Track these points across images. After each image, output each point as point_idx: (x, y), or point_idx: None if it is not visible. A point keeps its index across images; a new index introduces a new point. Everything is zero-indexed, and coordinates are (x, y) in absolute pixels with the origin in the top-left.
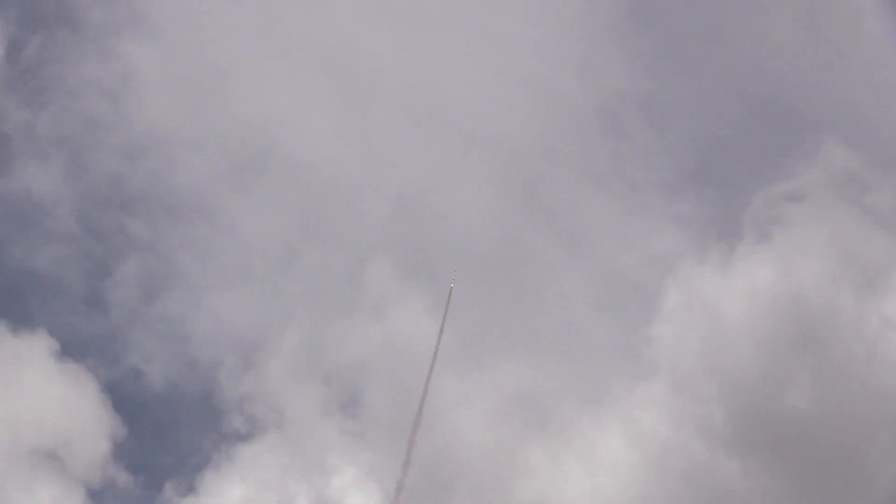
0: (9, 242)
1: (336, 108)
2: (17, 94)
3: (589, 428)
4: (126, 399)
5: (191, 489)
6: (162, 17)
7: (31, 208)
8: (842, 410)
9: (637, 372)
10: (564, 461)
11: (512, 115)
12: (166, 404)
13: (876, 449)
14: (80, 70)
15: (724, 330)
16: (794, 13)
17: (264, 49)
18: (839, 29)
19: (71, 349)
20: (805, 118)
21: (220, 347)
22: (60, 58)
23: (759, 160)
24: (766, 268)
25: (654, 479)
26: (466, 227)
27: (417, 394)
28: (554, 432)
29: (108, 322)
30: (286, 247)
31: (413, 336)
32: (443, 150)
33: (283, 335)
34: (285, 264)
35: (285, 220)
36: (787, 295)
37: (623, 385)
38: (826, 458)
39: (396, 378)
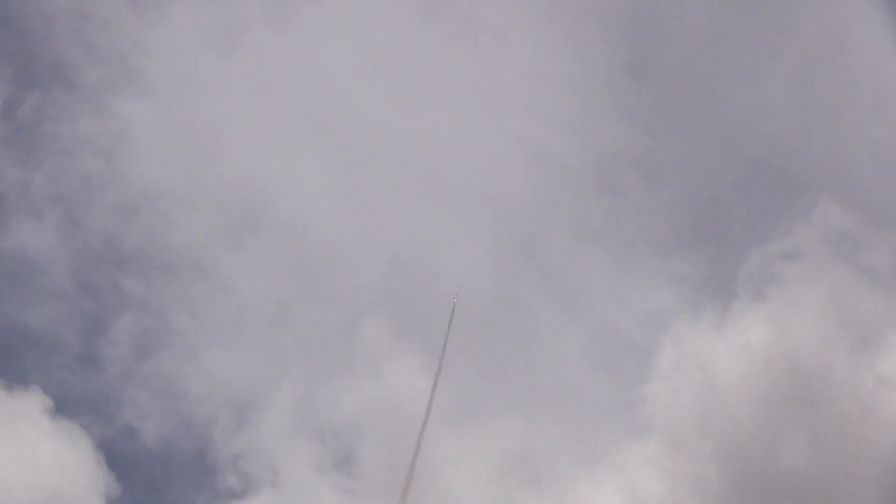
0: (3, 299)
1: (331, 166)
2: (12, 153)
3: (584, 486)
4: (120, 456)
5: None
6: (157, 76)
7: (25, 266)
8: (837, 469)
9: (632, 430)
10: None
11: (507, 173)
12: (160, 462)
13: None
14: (75, 128)
15: (719, 388)
16: (788, 74)
17: (259, 108)
18: (833, 89)
19: (65, 406)
20: (800, 177)
21: (214, 405)
22: (56, 116)
23: (754, 219)
24: (762, 326)
25: None
26: (461, 284)
27: (412, 452)
28: (549, 490)
29: (103, 379)
30: (281, 304)
31: (408, 394)
32: (437, 208)
33: (277, 393)
34: (280, 322)
35: (280, 277)
36: (782, 353)
37: (618, 443)
38: None
39: (391, 436)
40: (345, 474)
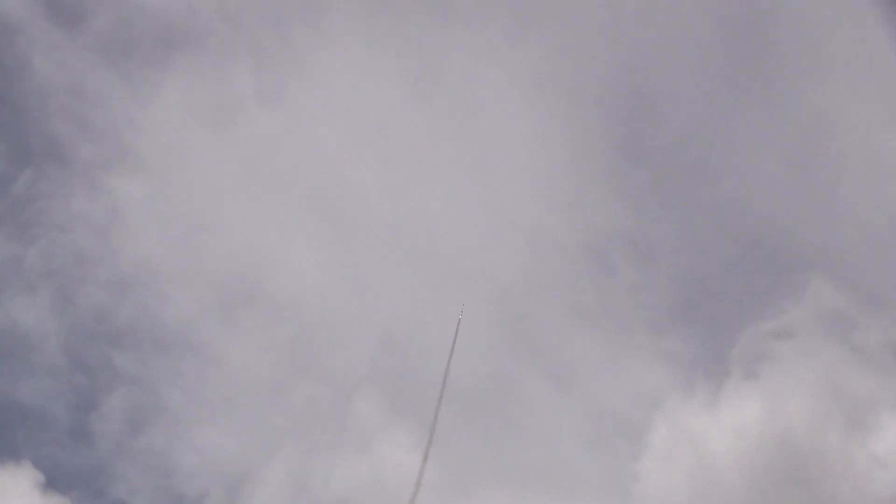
0: None
1: (324, 243)
2: (5, 229)
3: None
4: None
5: None
6: (150, 154)
7: (17, 341)
8: None
9: None
10: None
11: (500, 251)
12: None
13: None
14: (68, 205)
15: (712, 466)
16: (780, 156)
17: (252, 185)
18: (825, 171)
19: (56, 481)
20: (792, 257)
21: (205, 480)
22: (49, 193)
23: (747, 298)
24: (754, 404)
25: None
26: (455, 361)
27: None
28: None
29: (94, 454)
30: (273, 380)
31: (399, 469)
32: (430, 285)
33: (269, 468)
34: (272, 398)
35: (272, 353)
36: (774, 432)
37: None
38: None
39: None
40: None
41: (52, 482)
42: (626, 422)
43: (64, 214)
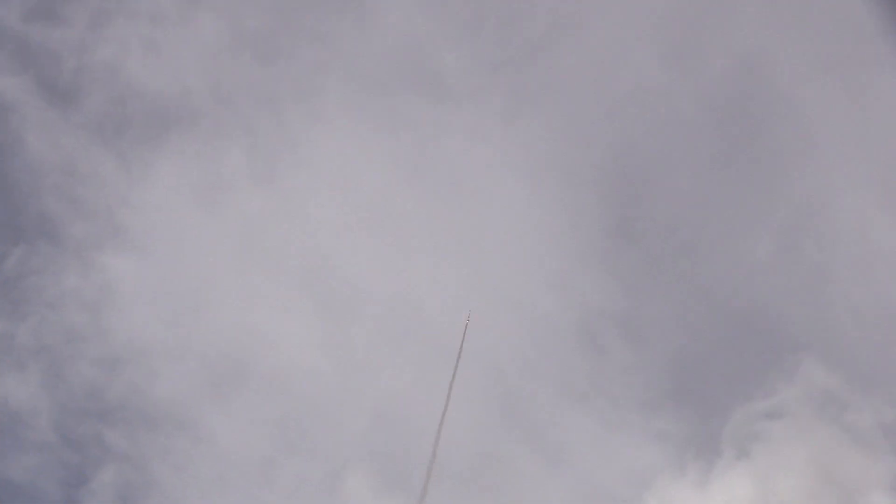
0: None
1: (315, 321)
2: None
3: None
4: None
5: None
6: (143, 232)
7: (7, 417)
8: None
9: None
10: None
11: (491, 330)
12: None
13: None
14: (60, 282)
15: None
16: (772, 236)
17: (244, 263)
18: (817, 250)
19: None
20: (784, 337)
21: None
22: (40, 270)
23: (738, 377)
24: (745, 484)
25: None
26: (445, 440)
27: None
28: None
29: None
30: (264, 458)
31: None
32: (421, 363)
33: None
34: (263, 476)
35: (264, 431)
36: None
37: None
38: None
39: None
40: None
41: None
42: (618, 500)
43: (55, 292)
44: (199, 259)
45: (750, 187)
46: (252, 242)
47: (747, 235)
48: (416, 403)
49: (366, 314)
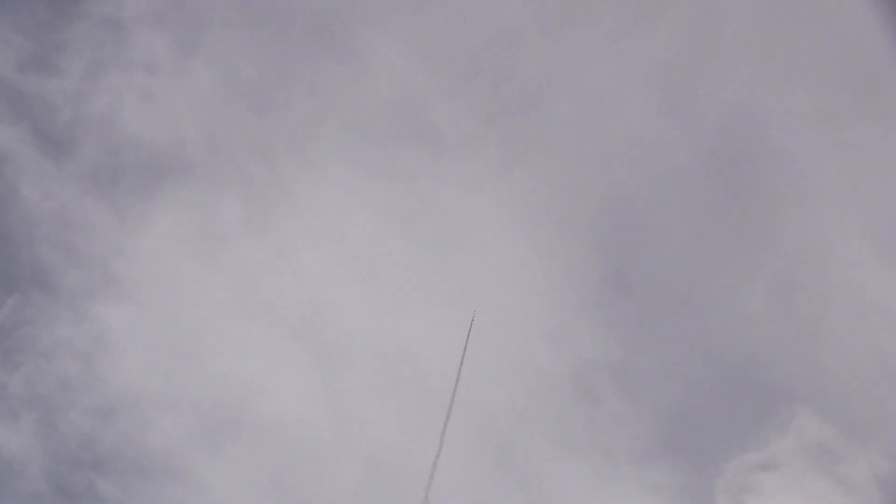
0: None
1: (309, 371)
2: None
3: None
4: None
5: None
6: (137, 282)
7: (1, 467)
8: None
9: None
10: None
11: (485, 380)
12: None
13: None
14: (53, 332)
15: None
16: (766, 287)
17: (239, 313)
18: (811, 302)
19: None
20: (778, 388)
21: None
22: (35, 319)
23: (732, 429)
24: None
25: None
26: (438, 490)
27: None
28: None
29: None
30: None
31: None
32: (415, 413)
33: None
34: None
35: (257, 481)
36: None
37: None
38: None
39: None
40: None
41: None
42: None
43: (49, 341)
44: (192, 308)
45: (744, 239)
46: (246, 292)
47: (741, 287)
48: (409, 453)
49: (359, 364)
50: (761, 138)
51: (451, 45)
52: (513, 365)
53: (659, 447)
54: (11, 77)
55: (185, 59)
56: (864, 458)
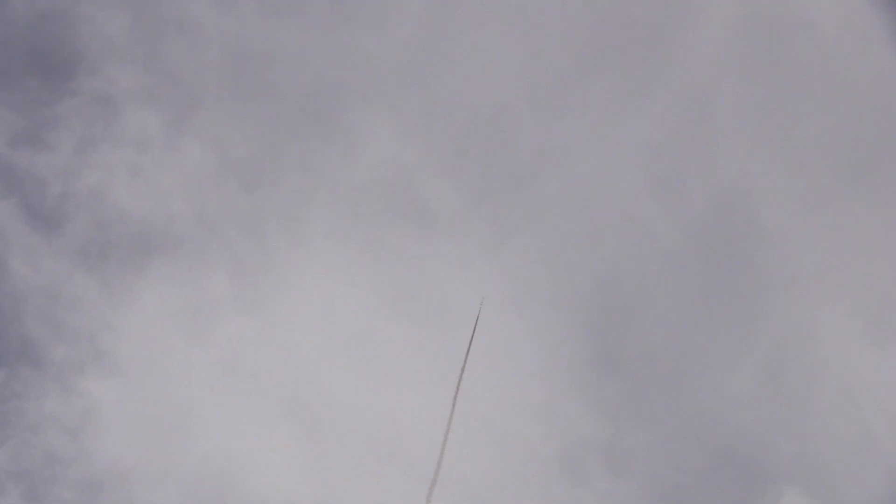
0: None
1: (298, 447)
2: None
3: None
4: None
5: None
6: (125, 357)
7: None
8: None
9: None
10: None
11: (472, 457)
12: None
13: None
14: (41, 406)
15: None
16: (754, 367)
17: (228, 390)
18: (800, 383)
19: None
20: (766, 469)
21: None
22: (21, 394)
23: None
24: None
25: None
26: None
27: None
28: None
29: None
30: None
31: None
32: (405, 488)
33: None
34: None
35: None
36: None
37: None
38: None
39: None
40: None
41: None
42: None
43: (36, 415)
44: (180, 384)
45: (733, 319)
46: (234, 368)
47: (730, 367)
48: None
49: (347, 440)
50: (751, 219)
51: (442, 123)
52: (500, 441)
53: None
54: (2, 152)
55: (175, 135)
56: None
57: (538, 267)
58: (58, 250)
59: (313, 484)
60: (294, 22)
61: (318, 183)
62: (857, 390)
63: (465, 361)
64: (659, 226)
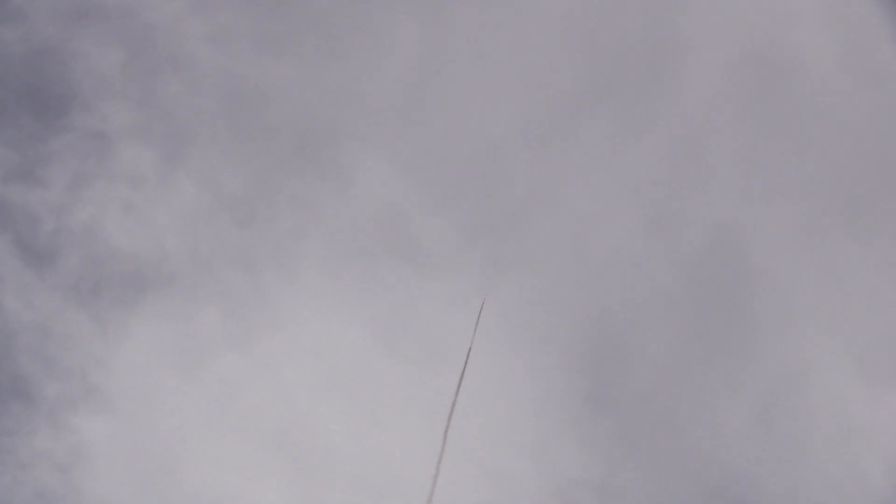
0: None
1: (289, 485)
2: None
3: None
4: None
5: None
6: (117, 394)
7: None
8: None
9: None
10: None
11: (465, 497)
12: None
13: None
14: (32, 443)
15: None
16: (748, 406)
17: (220, 427)
18: (792, 424)
19: None
20: None
21: None
22: (12, 430)
23: None
24: None
25: None
26: None
27: None
28: None
29: None
30: None
31: None
32: None
33: None
34: None
35: None
36: None
37: None
38: None
39: None
40: None
41: None
42: None
43: (27, 452)
44: (172, 421)
45: (726, 358)
46: (226, 405)
47: (723, 406)
48: None
49: (339, 479)
50: (745, 257)
51: (436, 161)
52: (493, 480)
53: None
54: None
55: (169, 171)
56: None
57: (530, 305)
58: (50, 286)
59: None
60: (288, 60)
61: (311, 220)
62: (851, 430)
63: (454, 399)
64: (652, 264)
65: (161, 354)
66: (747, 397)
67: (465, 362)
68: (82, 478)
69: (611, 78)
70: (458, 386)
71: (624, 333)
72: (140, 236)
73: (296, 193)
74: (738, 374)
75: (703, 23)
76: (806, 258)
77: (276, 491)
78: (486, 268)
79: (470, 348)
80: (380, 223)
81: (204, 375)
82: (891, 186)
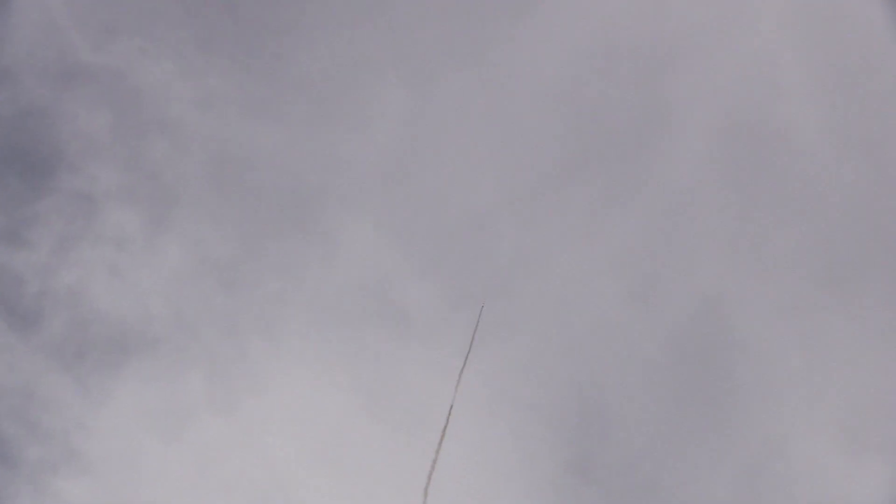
0: None
1: None
2: None
3: None
4: None
5: None
6: (99, 457)
7: None
8: None
9: None
10: None
11: None
12: None
13: None
14: None
15: None
16: (730, 475)
17: (200, 491)
18: (775, 491)
19: None
20: None
21: None
22: None
23: None
24: None
25: None
26: None
27: None
28: None
29: None
30: None
31: None
32: None
33: None
34: None
35: None
36: None
37: None
38: None
39: None
40: None
41: None
42: None
43: None
44: (154, 486)
45: (709, 428)
46: (209, 471)
47: (707, 475)
48: None
49: None
50: (728, 328)
51: (421, 228)
52: None
53: None
54: None
55: (155, 234)
56: None
57: (514, 373)
58: (34, 348)
59: None
60: (275, 124)
61: (296, 285)
62: (832, 499)
63: (435, 457)
64: (636, 333)
65: (143, 418)
66: (730, 467)
67: (447, 421)
68: None
69: (597, 147)
70: (439, 445)
71: (608, 402)
72: (125, 299)
73: (281, 258)
74: (722, 444)
75: (688, 93)
76: (788, 329)
77: None
78: (468, 332)
79: (451, 406)
80: (364, 288)
81: (186, 439)
82: (873, 259)
